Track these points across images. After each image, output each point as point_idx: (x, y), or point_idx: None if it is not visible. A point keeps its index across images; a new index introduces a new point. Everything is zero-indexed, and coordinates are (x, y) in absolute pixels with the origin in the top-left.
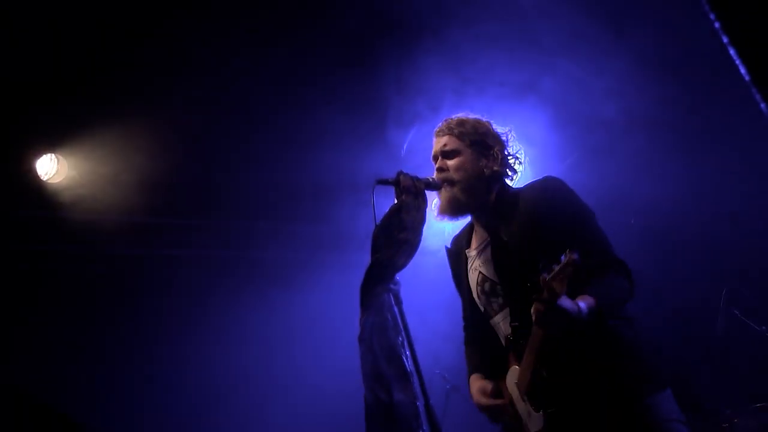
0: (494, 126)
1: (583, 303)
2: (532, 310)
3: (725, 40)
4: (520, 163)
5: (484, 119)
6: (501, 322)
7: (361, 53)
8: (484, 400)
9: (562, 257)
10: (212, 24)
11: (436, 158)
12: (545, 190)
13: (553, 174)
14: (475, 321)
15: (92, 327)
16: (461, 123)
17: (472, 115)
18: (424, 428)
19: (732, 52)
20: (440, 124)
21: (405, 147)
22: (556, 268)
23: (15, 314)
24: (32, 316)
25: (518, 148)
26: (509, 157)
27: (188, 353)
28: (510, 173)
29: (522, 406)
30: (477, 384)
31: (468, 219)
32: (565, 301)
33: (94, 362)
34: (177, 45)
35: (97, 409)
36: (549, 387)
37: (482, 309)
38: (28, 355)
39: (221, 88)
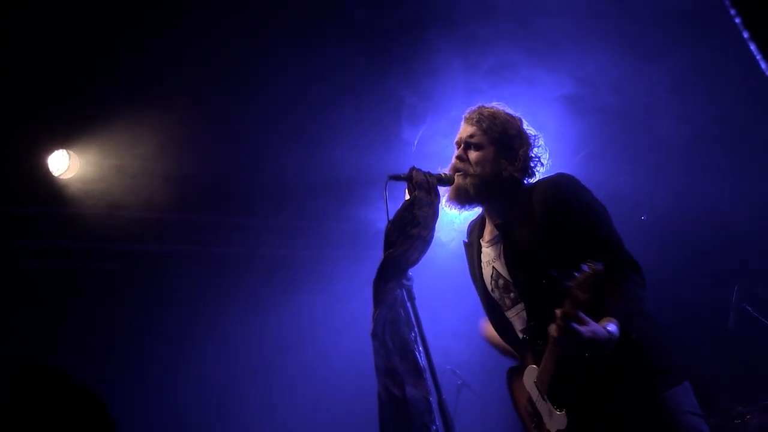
0: (525, 125)
1: (612, 326)
2: (549, 330)
3: (746, 35)
4: (542, 165)
5: (517, 116)
6: (515, 317)
7: (373, 48)
8: (496, 340)
9: (584, 266)
10: (224, 19)
11: (459, 144)
12: (557, 187)
13: (566, 166)
14: (491, 312)
15: (101, 322)
16: (492, 117)
17: (505, 110)
18: (437, 423)
19: (752, 47)
20: (473, 109)
21: (416, 143)
22: (578, 276)
23: (24, 310)
24: (42, 312)
25: (544, 152)
26: (532, 161)
27: (197, 350)
28: (527, 177)
29: (543, 406)
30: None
31: (474, 211)
32: (588, 328)
33: (101, 357)
34: (189, 40)
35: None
36: (571, 386)
37: (497, 302)
38: (36, 350)
39: (233, 84)
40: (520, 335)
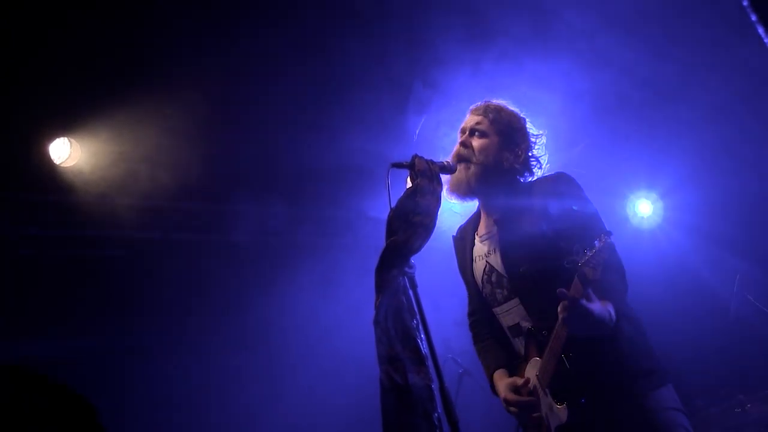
0: (528, 125)
1: (611, 308)
2: (559, 309)
3: (754, 17)
4: (540, 167)
5: (522, 115)
6: (504, 313)
7: (380, 36)
8: (513, 398)
9: (596, 242)
10: (229, 6)
11: (464, 132)
12: (557, 186)
13: (571, 156)
14: (479, 308)
15: (101, 311)
16: (499, 110)
17: (512, 107)
18: (439, 411)
19: (761, 30)
20: (480, 102)
21: (418, 131)
22: (590, 253)
23: (25, 299)
24: (42, 301)
25: (543, 153)
26: (531, 159)
27: (196, 338)
28: (526, 174)
29: (544, 400)
30: (505, 380)
31: (474, 204)
32: (595, 306)
33: (101, 346)
34: (195, 28)
35: (104, 398)
36: (572, 379)
37: (486, 297)
38: (34, 343)
39: (236, 71)
40: (508, 332)
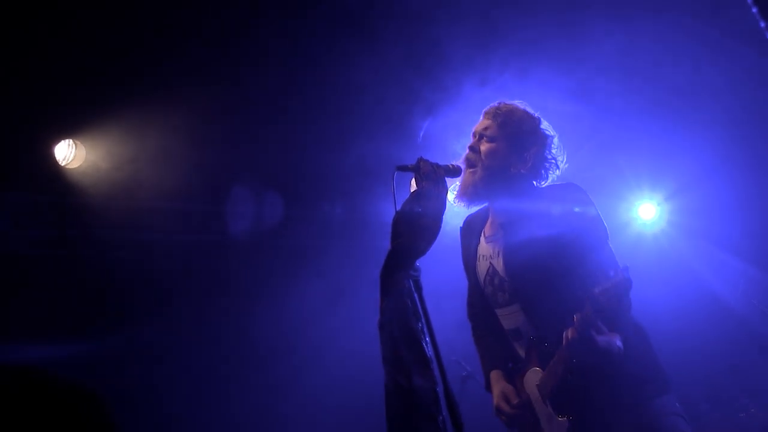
0: (542, 125)
1: (620, 341)
2: (565, 333)
3: (762, 24)
4: (557, 168)
5: (536, 115)
6: (505, 315)
7: (387, 41)
8: (506, 408)
9: (612, 273)
10: (234, 12)
11: (474, 136)
12: (566, 198)
13: (576, 159)
14: (480, 305)
15: (102, 315)
16: (509, 113)
17: (524, 108)
18: (444, 413)
19: None
20: (493, 103)
21: (422, 134)
22: (606, 284)
23: (29, 299)
24: (45, 300)
25: (559, 154)
26: (545, 162)
27: (196, 339)
28: (538, 178)
29: (543, 409)
30: (499, 386)
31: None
32: (603, 339)
33: (100, 344)
34: (197, 30)
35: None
36: (574, 392)
37: (488, 297)
38: (35, 344)
39: (239, 73)
40: (508, 334)
